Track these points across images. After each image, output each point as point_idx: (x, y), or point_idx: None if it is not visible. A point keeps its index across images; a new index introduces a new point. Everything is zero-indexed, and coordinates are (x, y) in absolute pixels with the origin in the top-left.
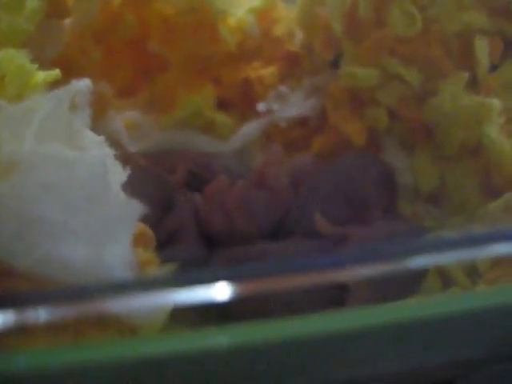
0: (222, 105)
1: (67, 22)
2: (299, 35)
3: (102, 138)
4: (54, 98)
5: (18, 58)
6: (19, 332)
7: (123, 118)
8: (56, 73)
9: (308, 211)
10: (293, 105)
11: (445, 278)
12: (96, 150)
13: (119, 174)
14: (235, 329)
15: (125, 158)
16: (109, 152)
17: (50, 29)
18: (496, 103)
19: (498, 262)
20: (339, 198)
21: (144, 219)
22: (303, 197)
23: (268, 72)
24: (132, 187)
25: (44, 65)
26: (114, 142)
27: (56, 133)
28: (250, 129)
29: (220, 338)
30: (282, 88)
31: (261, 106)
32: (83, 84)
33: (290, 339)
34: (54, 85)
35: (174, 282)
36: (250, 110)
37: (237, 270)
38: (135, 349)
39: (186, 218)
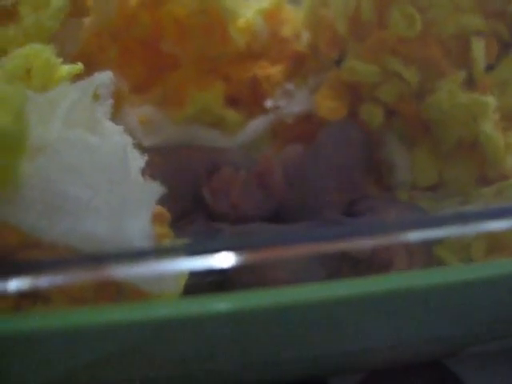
0: (231, 101)
1: (86, 20)
2: (305, 35)
3: (121, 128)
4: (78, 88)
5: (44, 52)
6: (40, 299)
7: (137, 112)
8: (79, 67)
9: (300, 197)
10: (298, 101)
11: (439, 263)
12: (117, 137)
13: (138, 160)
14: (235, 296)
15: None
16: (128, 140)
17: (71, 26)
18: (491, 101)
19: (491, 249)
20: (328, 176)
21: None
22: (294, 183)
23: (275, 70)
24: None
25: (64, 60)
26: (128, 134)
27: (80, 120)
28: (258, 124)
29: (221, 304)
30: (289, 85)
31: (268, 103)
32: (106, 76)
33: (287, 307)
34: (75, 78)
35: (185, 251)
36: (258, 107)
37: (242, 241)
38: (143, 312)
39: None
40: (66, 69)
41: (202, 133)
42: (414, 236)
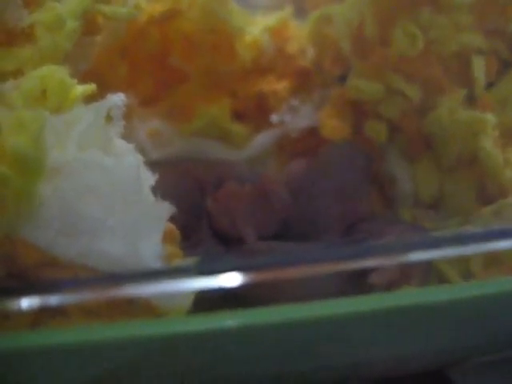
0: (238, 116)
1: (98, 38)
2: (310, 52)
3: (132, 146)
4: (93, 110)
5: (59, 73)
6: (58, 313)
7: (146, 126)
8: (92, 87)
9: (304, 214)
10: (303, 116)
11: (439, 277)
12: (130, 157)
13: (148, 179)
14: (243, 313)
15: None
16: (139, 158)
17: (83, 44)
18: (491, 118)
19: (489, 263)
20: (331, 195)
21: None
22: (298, 200)
23: (281, 86)
24: (166, 190)
25: (76, 77)
26: (137, 148)
27: (94, 141)
28: (264, 139)
29: (230, 321)
30: (294, 101)
31: (274, 118)
32: (118, 98)
33: (292, 323)
34: (88, 97)
35: (195, 271)
36: (264, 121)
37: (248, 262)
38: (155, 329)
39: (201, 220)
40: (80, 89)
41: (209, 146)
42: (415, 257)
